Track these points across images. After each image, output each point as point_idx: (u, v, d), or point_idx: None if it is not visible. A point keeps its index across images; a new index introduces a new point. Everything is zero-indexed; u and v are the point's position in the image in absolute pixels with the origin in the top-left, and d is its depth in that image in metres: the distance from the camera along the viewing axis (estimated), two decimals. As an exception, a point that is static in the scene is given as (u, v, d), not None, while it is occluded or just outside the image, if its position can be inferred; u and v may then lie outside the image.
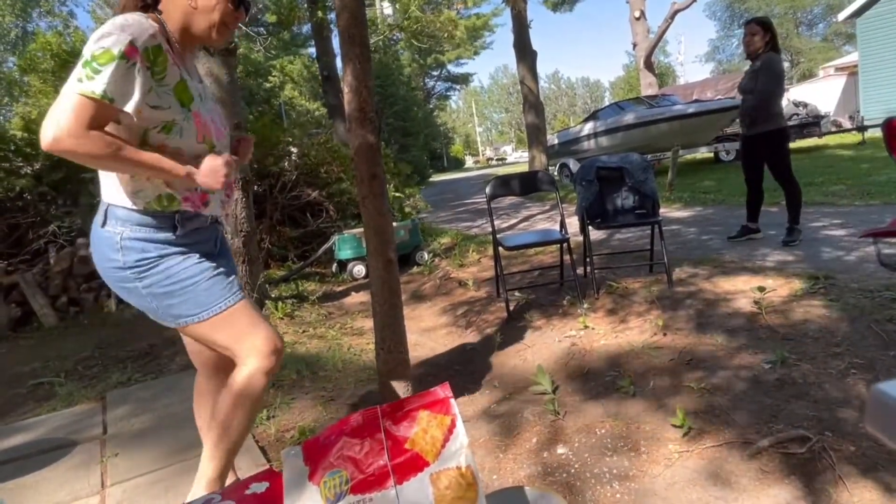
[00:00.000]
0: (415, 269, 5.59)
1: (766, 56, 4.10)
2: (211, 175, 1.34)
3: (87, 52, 1.16)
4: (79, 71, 1.15)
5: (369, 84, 2.28)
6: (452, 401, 0.90)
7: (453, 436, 0.86)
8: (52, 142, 1.13)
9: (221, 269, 1.49)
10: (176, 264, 1.39)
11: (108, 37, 1.16)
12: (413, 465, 0.83)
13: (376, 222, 2.33)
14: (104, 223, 1.35)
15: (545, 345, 3.01)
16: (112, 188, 1.35)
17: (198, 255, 1.44)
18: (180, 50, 1.39)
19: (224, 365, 1.60)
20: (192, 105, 1.36)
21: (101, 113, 1.17)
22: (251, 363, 1.43)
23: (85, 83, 1.14)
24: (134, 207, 1.34)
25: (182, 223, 1.40)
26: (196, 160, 1.37)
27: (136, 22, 1.21)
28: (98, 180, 1.40)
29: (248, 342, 1.44)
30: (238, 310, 1.45)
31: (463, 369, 2.93)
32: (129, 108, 1.21)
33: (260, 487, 0.94)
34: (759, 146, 4.14)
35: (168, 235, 1.38)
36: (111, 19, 1.22)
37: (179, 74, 1.32)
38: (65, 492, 1.99)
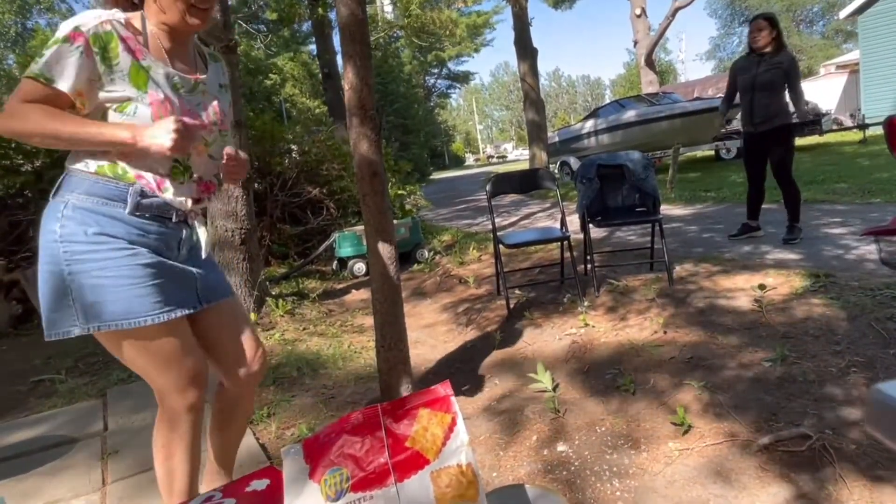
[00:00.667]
0: (415, 266, 5.59)
1: (785, 53, 4.09)
2: (159, 135, 1.20)
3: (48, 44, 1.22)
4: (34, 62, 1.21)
5: (370, 82, 2.28)
6: (453, 399, 0.90)
7: (454, 434, 0.86)
8: None
9: (172, 277, 1.36)
10: (120, 255, 1.26)
11: (61, 28, 1.22)
12: (413, 462, 0.83)
13: (377, 220, 2.33)
14: (56, 193, 1.28)
15: (545, 342, 3.01)
16: (74, 153, 1.31)
17: (147, 251, 1.31)
18: (167, 43, 1.36)
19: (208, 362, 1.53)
20: (149, 88, 1.29)
21: (40, 92, 1.19)
22: (168, 402, 1.38)
23: (31, 68, 1.19)
24: (86, 170, 1.28)
25: (135, 201, 1.29)
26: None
27: (89, 12, 1.26)
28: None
29: (166, 376, 1.35)
30: (166, 329, 1.32)
31: (463, 367, 2.93)
32: (65, 87, 1.20)
33: (260, 485, 0.94)
34: (769, 142, 4.12)
35: (116, 210, 1.27)
36: None
37: (132, 61, 1.28)
38: (66, 488, 1.99)
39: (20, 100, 1.18)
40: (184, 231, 1.43)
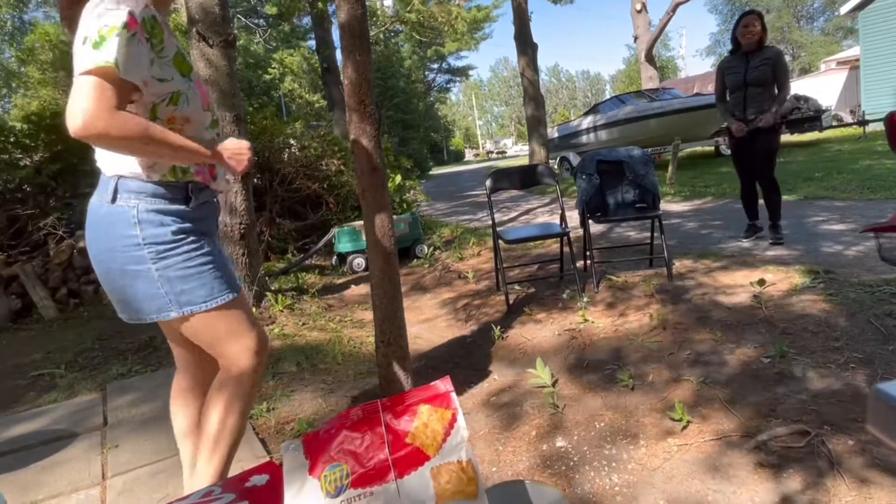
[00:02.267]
0: (415, 261, 5.59)
1: (771, 48, 4.07)
2: (236, 156, 1.42)
3: (93, 32, 1.12)
4: (90, 52, 1.11)
5: (369, 77, 2.27)
6: (453, 395, 0.90)
7: (454, 430, 0.86)
8: (82, 127, 1.09)
9: (226, 257, 1.53)
10: (194, 247, 1.39)
11: (109, 13, 1.14)
12: (414, 459, 0.83)
13: (376, 215, 2.32)
14: (114, 199, 1.30)
15: (545, 338, 3.01)
16: (123, 160, 1.31)
17: (208, 239, 1.46)
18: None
19: (205, 365, 1.61)
20: (192, 75, 1.37)
21: (120, 88, 1.14)
22: (242, 363, 1.46)
23: (96, 58, 1.11)
24: (148, 179, 1.32)
25: (195, 194, 1.41)
26: (204, 130, 1.43)
27: None
28: (100, 158, 1.35)
29: (240, 342, 1.46)
30: (239, 302, 1.47)
31: (462, 362, 2.93)
32: (138, 79, 1.19)
33: (260, 480, 0.94)
34: (758, 140, 4.10)
35: (181, 208, 1.37)
36: None
37: (176, 46, 1.31)
38: (65, 482, 1.99)
39: (111, 104, 1.12)
40: (218, 209, 1.59)
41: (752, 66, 4.08)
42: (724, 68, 4.30)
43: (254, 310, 3.78)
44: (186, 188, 1.39)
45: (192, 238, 1.39)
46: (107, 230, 1.33)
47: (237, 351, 1.46)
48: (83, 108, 1.09)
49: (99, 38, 1.11)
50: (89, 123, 1.08)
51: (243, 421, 1.53)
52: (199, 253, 1.39)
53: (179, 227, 1.36)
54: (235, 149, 1.43)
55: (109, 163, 1.32)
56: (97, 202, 1.34)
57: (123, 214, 1.30)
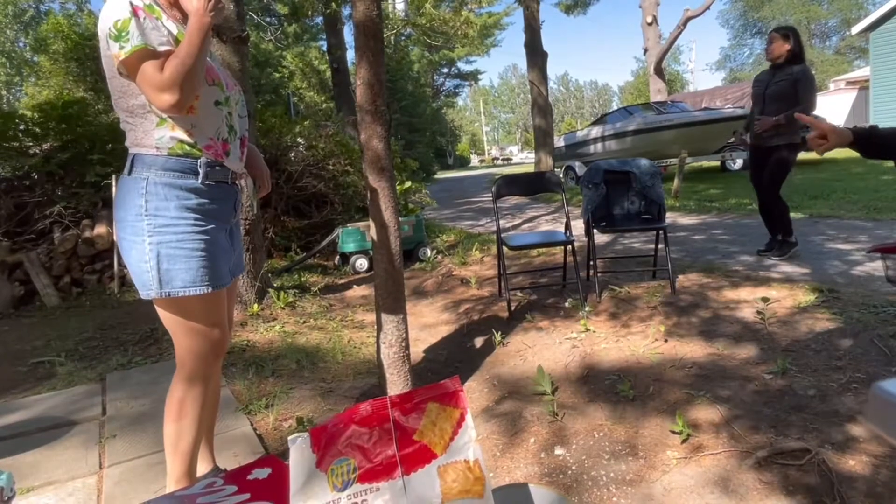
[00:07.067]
0: (417, 265, 5.59)
1: (800, 65, 4.01)
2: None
3: (109, 28, 1.30)
4: (114, 47, 1.29)
5: (382, 78, 2.28)
6: (462, 394, 0.90)
7: (462, 429, 0.86)
8: (160, 106, 1.30)
9: (230, 249, 1.57)
10: (195, 230, 1.42)
11: (115, 9, 1.31)
12: (421, 456, 0.83)
13: (382, 216, 2.33)
14: (131, 171, 1.40)
15: (546, 346, 3.01)
16: (137, 137, 1.41)
17: (220, 224, 1.50)
18: (178, 14, 1.48)
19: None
20: None
21: (155, 58, 1.30)
22: (188, 364, 1.49)
23: (127, 46, 1.28)
24: (159, 153, 1.40)
25: (205, 171, 1.44)
26: (213, 105, 1.47)
27: None
28: (126, 137, 1.46)
29: (194, 342, 1.48)
30: (212, 299, 1.48)
31: (462, 367, 2.93)
32: (163, 48, 1.34)
33: (262, 473, 0.94)
34: (772, 157, 4.07)
35: (192, 182, 1.42)
36: None
37: (177, 27, 1.43)
38: (63, 471, 1.99)
39: (155, 77, 1.28)
40: (237, 194, 1.61)
41: (774, 80, 4.06)
42: (753, 80, 4.34)
43: (255, 307, 3.79)
44: (196, 163, 1.43)
45: (195, 218, 1.42)
46: (122, 201, 1.41)
47: (186, 350, 1.49)
48: (149, 94, 1.30)
49: (117, 32, 1.30)
50: (162, 100, 1.28)
51: (200, 421, 1.55)
52: (197, 238, 1.42)
53: (185, 205, 1.41)
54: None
55: (129, 141, 1.43)
56: (122, 177, 1.44)
57: (135, 185, 1.39)
